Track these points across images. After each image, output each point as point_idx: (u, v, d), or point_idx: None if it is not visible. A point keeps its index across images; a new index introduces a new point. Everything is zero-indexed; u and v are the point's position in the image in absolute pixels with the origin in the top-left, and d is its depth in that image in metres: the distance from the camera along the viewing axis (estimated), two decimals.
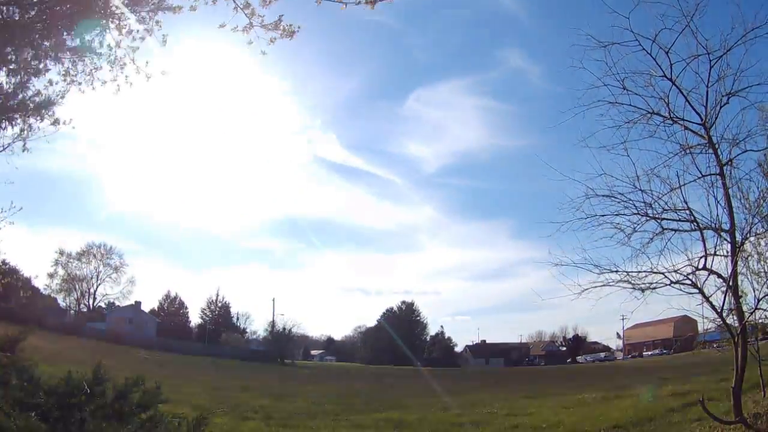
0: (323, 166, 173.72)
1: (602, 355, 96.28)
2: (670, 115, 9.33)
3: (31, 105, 8.64)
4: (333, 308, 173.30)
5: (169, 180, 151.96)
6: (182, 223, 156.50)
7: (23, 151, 9.32)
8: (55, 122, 9.00)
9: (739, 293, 8.76)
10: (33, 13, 7.41)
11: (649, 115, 9.42)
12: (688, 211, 9.14)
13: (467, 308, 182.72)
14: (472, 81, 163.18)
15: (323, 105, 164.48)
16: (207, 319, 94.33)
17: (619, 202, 9.42)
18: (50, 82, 8.46)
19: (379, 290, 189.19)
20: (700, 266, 8.90)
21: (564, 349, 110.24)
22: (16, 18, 7.34)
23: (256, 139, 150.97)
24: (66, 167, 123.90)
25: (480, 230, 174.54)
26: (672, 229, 9.23)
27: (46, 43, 7.76)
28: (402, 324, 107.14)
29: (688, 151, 9.27)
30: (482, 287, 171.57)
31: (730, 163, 8.99)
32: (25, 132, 9.01)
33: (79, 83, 8.38)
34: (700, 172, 9.17)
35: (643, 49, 9.13)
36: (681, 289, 9.04)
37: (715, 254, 8.91)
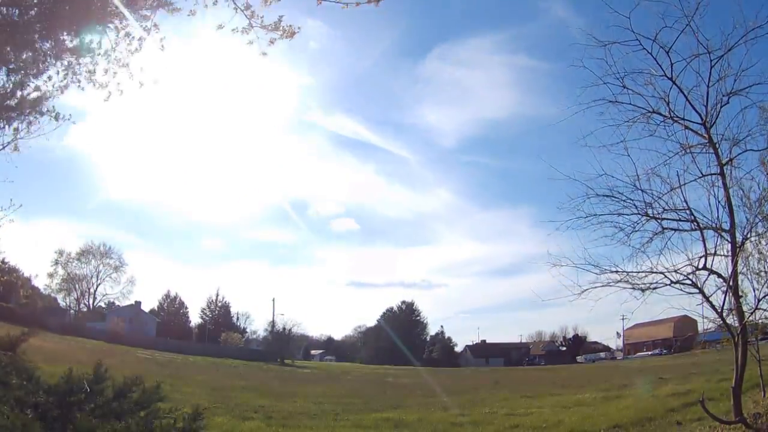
0: (328, 140, 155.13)
1: (602, 354, 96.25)
2: (670, 114, 9.33)
3: (29, 103, 8.62)
4: (335, 304, 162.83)
5: (168, 169, 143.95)
6: (182, 214, 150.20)
7: (29, 148, 9.30)
8: (56, 117, 8.98)
9: (739, 293, 8.76)
10: (33, 13, 7.40)
11: (649, 114, 9.43)
12: (688, 211, 9.15)
13: (475, 306, 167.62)
14: (506, 35, 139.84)
15: (331, 69, 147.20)
16: (207, 318, 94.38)
17: (619, 202, 9.44)
18: (49, 77, 8.46)
19: (384, 284, 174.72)
20: (700, 266, 8.91)
21: (564, 348, 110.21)
22: (16, 18, 7.33)
23: (255, 113, 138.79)
24: (61, 157, 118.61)
25: (501, 219, 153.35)
26: (672, 229, 9.23)
27: (46, 44, 7.75)
28: (402, 324, 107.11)
29: (688, 151, 9.27)
30: (495, 284, 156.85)
31: (730, 162, 8.98)
32: (28, 129, 8.99)
33: (79, 80, 8.39)
34: (701, 172, 9.19)
35: (644, 48, 9.14)
36: (681, 289, 9.05)
37: (715, 254, 8.92)
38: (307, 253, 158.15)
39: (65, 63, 8.18)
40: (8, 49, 7.52)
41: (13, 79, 8.20)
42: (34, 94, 8.56)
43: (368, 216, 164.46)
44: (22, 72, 8.07)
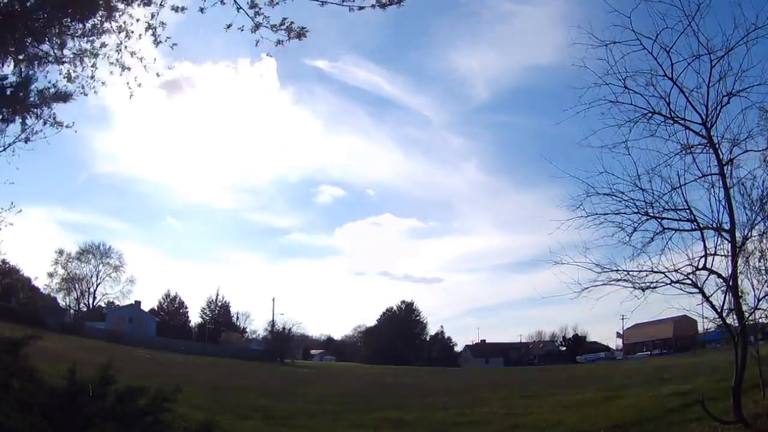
0: (335, 93, 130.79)
1: (602, 354, 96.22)
2: (671, 114, 9.34)
3: (42, 97, 8.62)
4: (335, 297, 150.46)
5: (159, 148, 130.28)
6: (181, 199, 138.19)
7: (26, 142, 9.28)
8: (57, 124, 9.00)
9: (739, 293, 8.77)
10: (33, 2, 7.37)
11: (650, 114, 9.44)
12: (688, 211, 9.16)
13: (484, 303, 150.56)
14: None
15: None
16: (207, 318, 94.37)
17: (620, 201, 9.44)
18: (54, 84, 8.48)
19: (390, 274, 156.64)
20: (701, 266, 8.91)
21: (564, 348, 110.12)
22: (17, 9, 7.31)
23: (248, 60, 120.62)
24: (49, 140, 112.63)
25: (533, 201, 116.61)
26: (672, 229, 9.24)
27: (47, 35, 7.74)
28: (401, 324, 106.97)
29: (689, 151, 9.29)
30: (510, 280, 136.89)
31: (730, 162, 9.00)
32: (31, 129, 9.00)
33: (83, 85, 8.41)
34: (701, 172, 9.21)
35: (645, 48, 9.14)
36: (681, 289, 9.07)
37: (715, 254, 8.94)
38: (306, 240, 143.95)
39: (67, 63, 8.20)
40: (10, 41, 7.51)
41: (16, 72, 8.21)
42: (50, 91, 8.56)
43: (379, 194, 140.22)
44: (24, 65, 8.07)
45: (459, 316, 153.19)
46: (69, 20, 7.73)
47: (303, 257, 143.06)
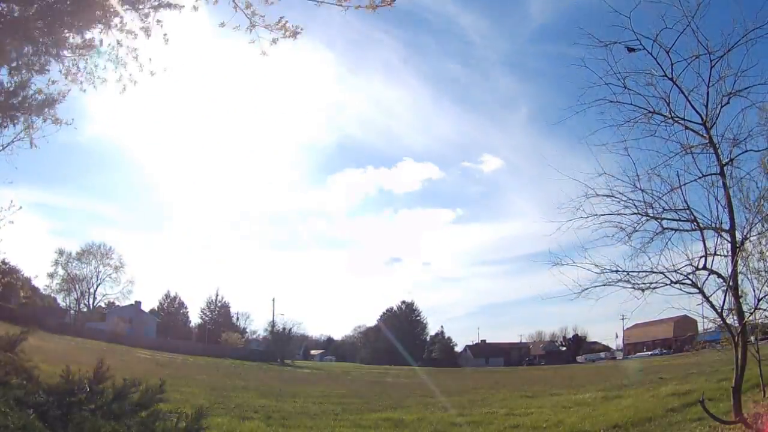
0: (359, 15, 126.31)
1: (602, 354, 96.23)
2: (670, 114, 9.35)
3: (33, 103, 8.63)
4: (336, 292, 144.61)
5: (149, 119, 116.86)
6: (178, 187, 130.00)
7: (30, 147, 9.30)
8: (56, 121, 9.01)
9: (739, 293, 8.77)
10: (33, 10, 7.39)
11: (649, 114, 9.45)
12: (688, 211, 9.17)
13: (501, 300, 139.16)
14: None
15: None
16: (207, 318, 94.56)
17: (619, 202, 9.45)
18: (51, 81, 8.48)
19: (395, 262, 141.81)
20: (701, 266, 8.92)
21: (564, 348, 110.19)
22: (16, 15, 7.32)
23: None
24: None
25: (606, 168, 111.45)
26: (672, 229, 9.24)
27: (47, 41, 7.75)
28: (402, 324, 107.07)
29: (688, 151, 9.29)
30: (532, 273, 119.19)
31: (730, 163, 9.00)
32: (28, 130, 9.02)
33: (81, 81, 8.39)
34: (701, 172, 9.21)
35: (644, 48, 9.14)
36: (681, 289, 9.08)
37: (715, 254, 8.94)
38: (310, 227, 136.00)
39: (66, 63, 8.20)
40: (9, 47, 7.51)
41: (15, 78, 8.22)
42: (38, 97, 8.57)
43: (391, 155, 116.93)
44: (24, 70, 8.07)
45: (472, 314, 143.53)
46: (67, 31, 7.72)
47: (304, 246, 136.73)
